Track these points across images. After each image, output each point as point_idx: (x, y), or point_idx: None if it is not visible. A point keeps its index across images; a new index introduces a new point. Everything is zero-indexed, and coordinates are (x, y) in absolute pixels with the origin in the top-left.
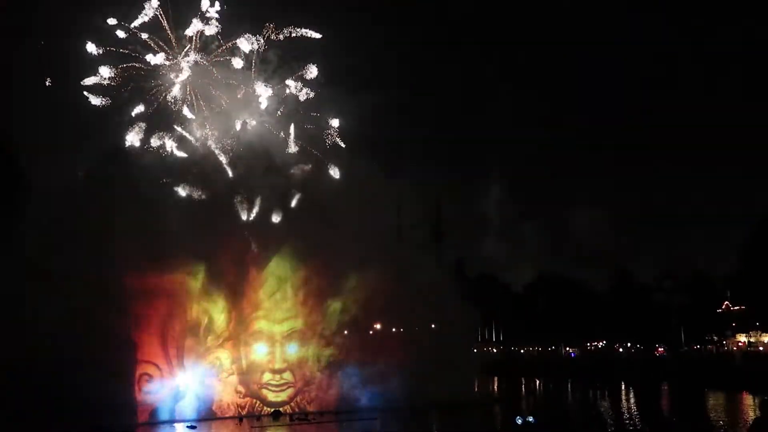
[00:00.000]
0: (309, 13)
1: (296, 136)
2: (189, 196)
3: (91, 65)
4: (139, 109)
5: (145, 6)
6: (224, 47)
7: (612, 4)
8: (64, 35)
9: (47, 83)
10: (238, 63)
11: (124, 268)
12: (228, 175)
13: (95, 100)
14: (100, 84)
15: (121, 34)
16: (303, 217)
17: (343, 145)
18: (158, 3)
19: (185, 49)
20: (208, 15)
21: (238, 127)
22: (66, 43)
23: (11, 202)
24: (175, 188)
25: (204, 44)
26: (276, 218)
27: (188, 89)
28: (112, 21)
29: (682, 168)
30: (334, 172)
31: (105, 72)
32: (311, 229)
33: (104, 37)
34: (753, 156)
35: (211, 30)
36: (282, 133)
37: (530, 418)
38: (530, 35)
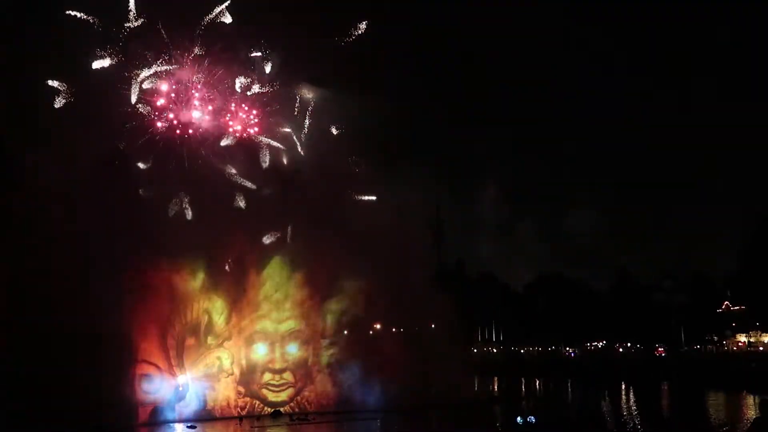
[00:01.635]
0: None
1: (297, 139)
2: (191, 199)
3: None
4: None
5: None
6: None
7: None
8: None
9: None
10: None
11: (124, 268)
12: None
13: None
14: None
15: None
16: (304, 218)
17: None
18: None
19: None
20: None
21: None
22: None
23: (10, 203)
24: (178, 193)
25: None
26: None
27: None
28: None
29: (683, 167)
30: (335, 174)
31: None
32: (311, 230)
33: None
34: (753, 156)
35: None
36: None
37: (531, 418)
38: (528, 36)
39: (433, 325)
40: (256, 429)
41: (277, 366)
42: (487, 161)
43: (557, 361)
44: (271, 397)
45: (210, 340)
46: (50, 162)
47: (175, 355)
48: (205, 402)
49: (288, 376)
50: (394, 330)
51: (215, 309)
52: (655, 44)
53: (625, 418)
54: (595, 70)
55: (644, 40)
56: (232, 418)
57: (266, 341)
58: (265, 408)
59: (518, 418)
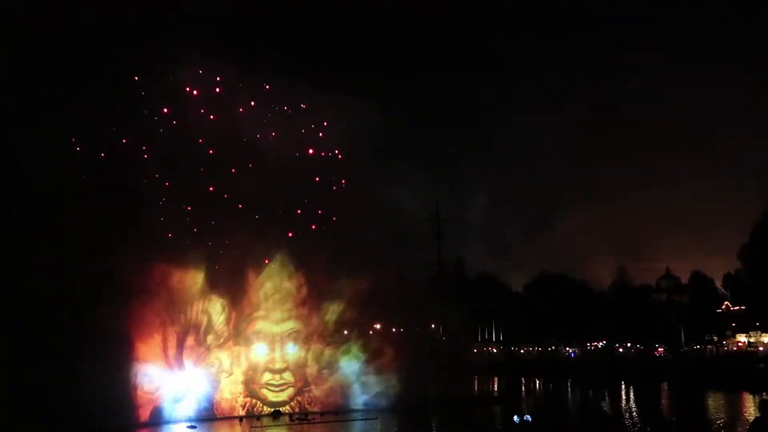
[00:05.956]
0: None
1: (296, 141)
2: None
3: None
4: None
5: None
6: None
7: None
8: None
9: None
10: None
11: (124, 268)
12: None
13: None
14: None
15: None
16: (303, 218)
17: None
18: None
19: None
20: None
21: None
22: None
23: (10, 202)
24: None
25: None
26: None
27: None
28: None
29: (682, 167)
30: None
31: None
32: (311, 230)
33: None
34: (753, 154)
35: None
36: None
37: (528, 417)
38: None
39: (433, 325)
40: (256, 429)
41: (277, 366)
42: (486, 161)
43: (557, 361)
44: (271, 397)
45: (210, 340)
46: (52, 161)
47: (175, 355)
48: (204, 402)
49: (288, 376)
50: (394, 330)
51: (215, 309)
52: (653, 41)
53: (626, 418)
54: (588, 66)
55: (636, 35)
56: (232, 418)
57: (266, 341)
58: (265, 408)
59: (516, 417)
